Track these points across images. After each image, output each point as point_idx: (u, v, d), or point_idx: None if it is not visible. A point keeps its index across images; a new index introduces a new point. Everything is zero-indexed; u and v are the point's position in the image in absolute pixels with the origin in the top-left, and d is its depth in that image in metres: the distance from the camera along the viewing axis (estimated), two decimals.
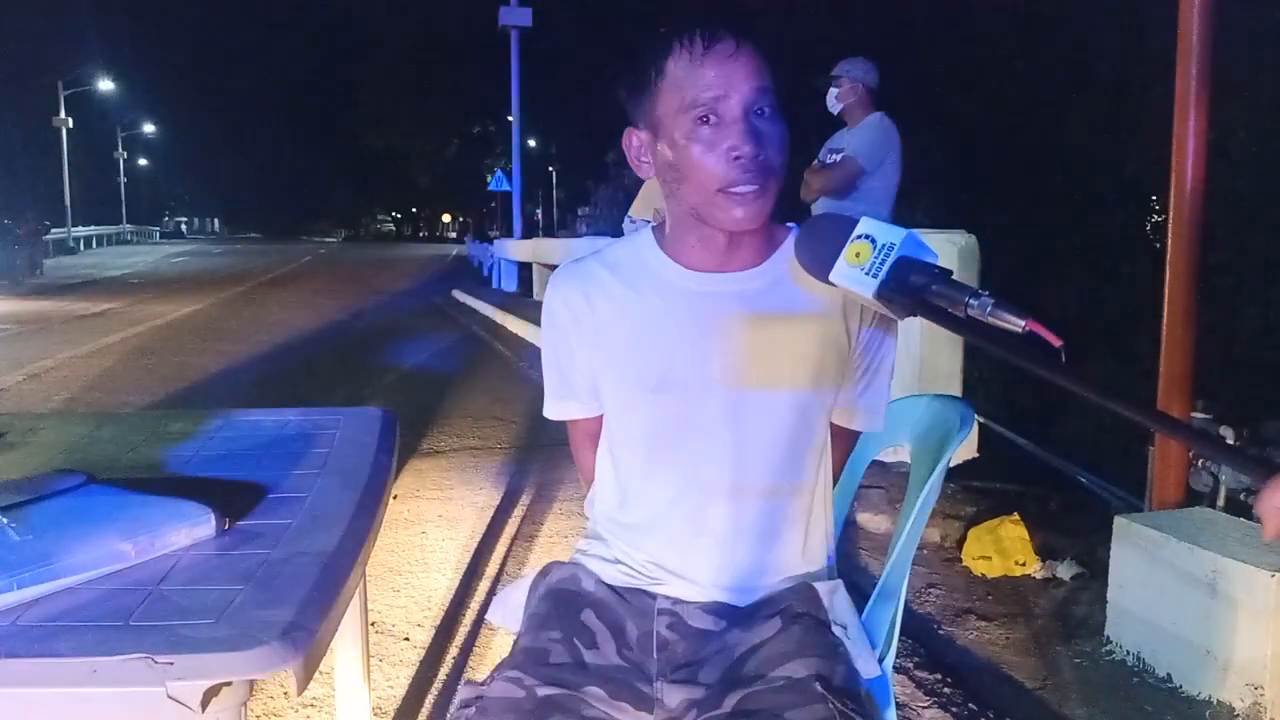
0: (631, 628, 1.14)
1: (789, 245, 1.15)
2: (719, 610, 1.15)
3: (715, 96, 1.04)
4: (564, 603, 1.17)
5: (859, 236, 0.94)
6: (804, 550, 1.19)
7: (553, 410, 1.28)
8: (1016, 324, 0.84)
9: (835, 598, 1.15)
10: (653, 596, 1.17)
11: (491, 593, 2.87)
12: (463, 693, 1.05)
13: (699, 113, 1.05)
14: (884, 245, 0.92)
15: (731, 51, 1.05)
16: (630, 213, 6.58)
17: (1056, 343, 0.83)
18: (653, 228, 1.21)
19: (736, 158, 1.04)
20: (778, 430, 1.14)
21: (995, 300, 0.85)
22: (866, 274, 0.92)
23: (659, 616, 1.15)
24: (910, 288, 0.90)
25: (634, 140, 1.14)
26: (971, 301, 0.86)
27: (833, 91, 4.28)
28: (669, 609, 1.15)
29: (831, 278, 0.95)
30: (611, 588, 1.19)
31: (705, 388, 1.13)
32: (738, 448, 1.13)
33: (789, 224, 1.18)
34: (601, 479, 1.26)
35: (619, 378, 1.17)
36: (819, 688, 1.01)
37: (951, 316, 0.87)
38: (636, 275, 1.17)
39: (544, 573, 1.24)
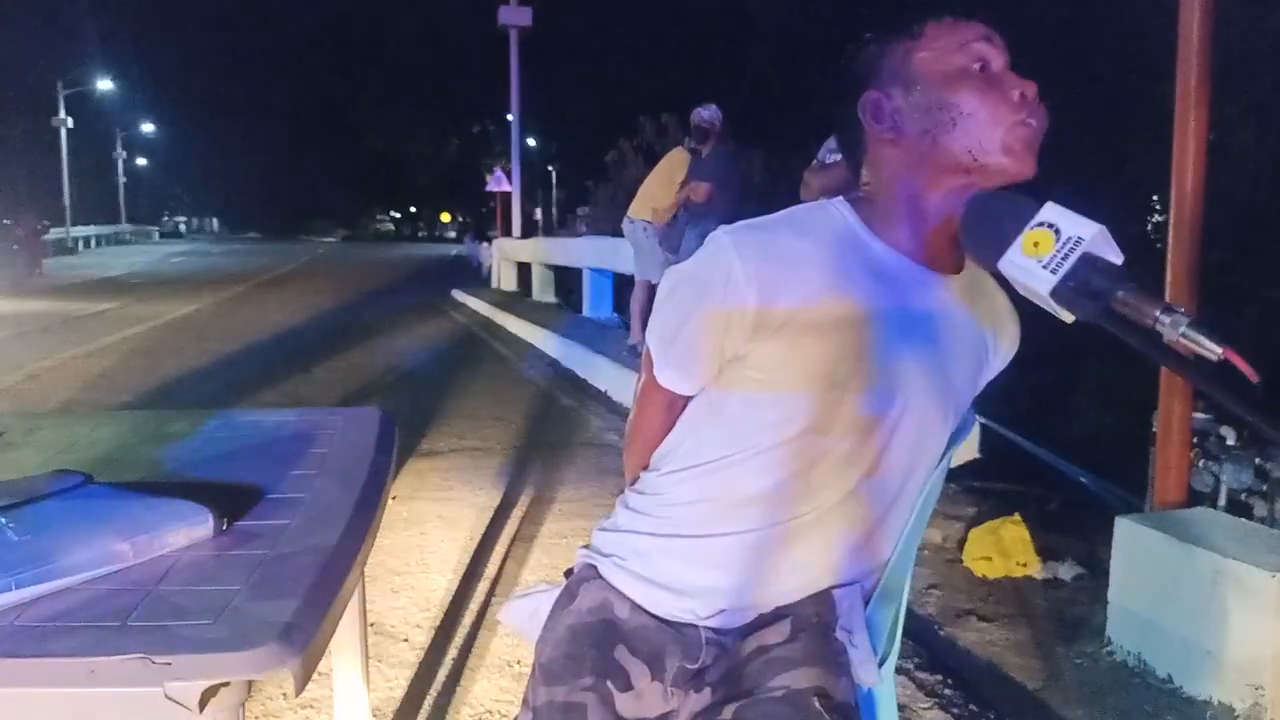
0: (672, 659, 1.08)
1: (973, 264, 1.09)
2: (754, 624, 1.10)
3: (987, 48, 1.02)
4: (595, 641, 1.09)
5: (1040, 224, 0.84)
6: (878, 563, 1.15)
7: (669, 379, 1.13)
8: (1212, 350, 0.75)
9: (850, 603, 1.11)
10: (697, 628, 1.10)
11: (491, 593, 2.87)
12: None
13: (975, 57, 1.02)
14: (1070, 238, 0.82)
15: (983, 24, 1.05)
16: (630, 213, 6.59)
17: (1254, 378, 0.75)
18: (846, 201, 1.09)
19: (1022, 94, 1.01)
20: (929, 446, 1.10)
21: (1190, 319, 0.76)
22: (1044, 268, 0.82)
23: (706, 648, 1.09)
24: (1093, 291, 0.80)
25: (880, 100, 1.05)
26: (1162, 317, 0.77)
27: None
28: (715, 639, 1.09)
29: (1001, 265, 0.86)
30: (650, 614, 1.10)
31: (893, 387, 1.04)
32: (891, 457, 1.06)
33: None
34: (697, 456, 1.11)
35: (802, 359, 1.03)
36: (816, 704, 0.99)
37: (1134, 328, 0.78)
38: (838, 246, 1.05)
39: (570, 593, 1.15)
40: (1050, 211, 0.84)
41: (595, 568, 1.16)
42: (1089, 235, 0.82)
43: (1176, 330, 0.76)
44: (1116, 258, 0.83)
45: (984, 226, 0.89)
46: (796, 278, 1.02)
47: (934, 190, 1.04)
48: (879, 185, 1.07)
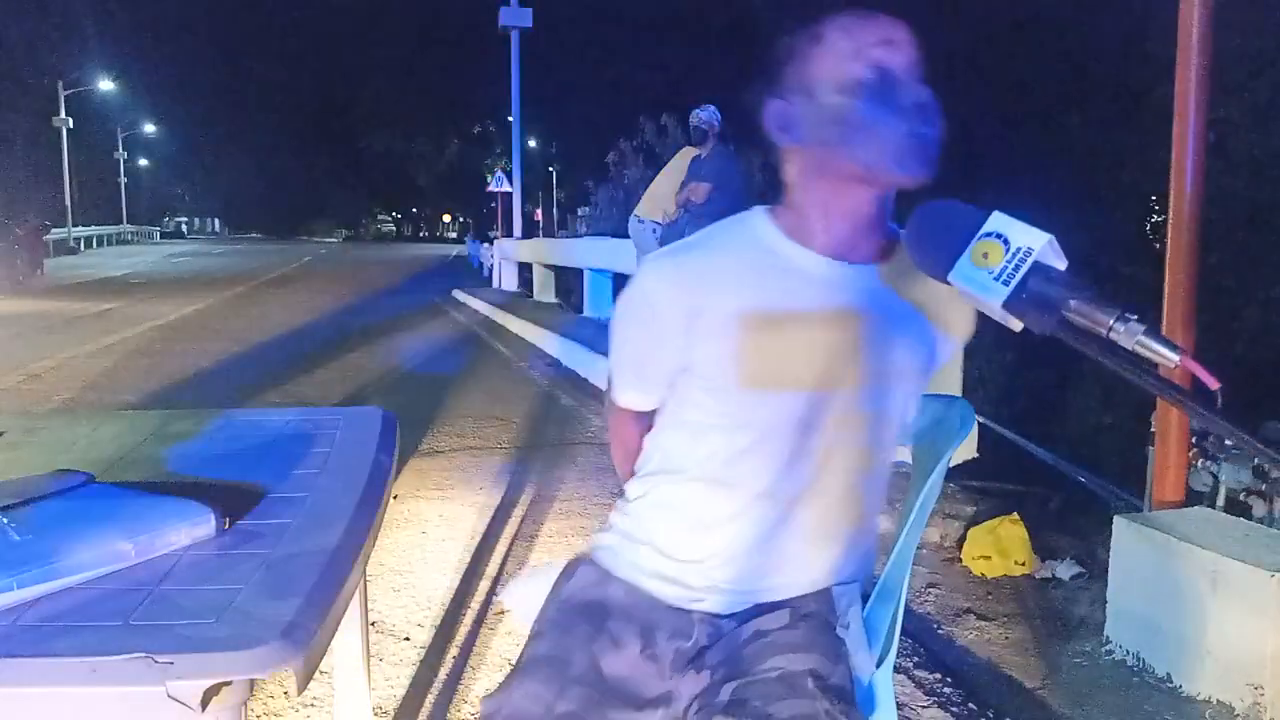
0: (662, 634, 1.12)
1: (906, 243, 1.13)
2: (752, 612, 1.13)
3: (885, 52, 1.02)
4: (589, 611, 1.14)
5: (989, 234, 0.82)
6: (857, 557, 1.18)
7: (625, 399, 1.22)
8: (1170, 358, 0.73)
9: (849, 600, 1.15)
10: (689, 612, 1.14)
11: (492, 592, 2.87)
12: (485, 706, 1.04)
13: (871, 63, 1.02)
14: (1020, 249, 0.80)
15: (888, 19, 1.04)
16: (637, 212, 6.56)
17: (1214, 385, 0.73)
18: (764, 209, 1.14)
19: (919, 104, 1.02)
20: (876, 436, 1.13)
21: (1146, 327, 0.74)
22: (996, 279, 0.80)
23: (699, 626, 1.13)
24: (1047, 301, 0.78)
25: (783, 109, 1.07)
26: (1117, 326, 0.75)
27: None
28: (708, 621, 1.13)
29: (951, 278, 0.84)
30: (645, 593, 1.15)
31: (825, 383, 1.08)
32: (842, 451, 1.10)
33: (893, 225, 1.13)
34: (666, 459, 1.18)
35: (732, 368, 1.08)
36: (811, 684, 1.01)
37: (1089, 338, 0.76)
38: (753, 257, 1.10)
39: (569, 572, 1.20)
40: (998, 221, 0.83)
41: (593, 558, 1.22)
42: (1039, 245, 0.81)
43: (1132, 338, 0.75)
44: (1061, 264, 0.82)
45: (930, 239, 0.87)
46: (715, 293, 1.08)
47: (839, 195, 1.07)
48: (791, 188, 1.11)
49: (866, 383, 1.09)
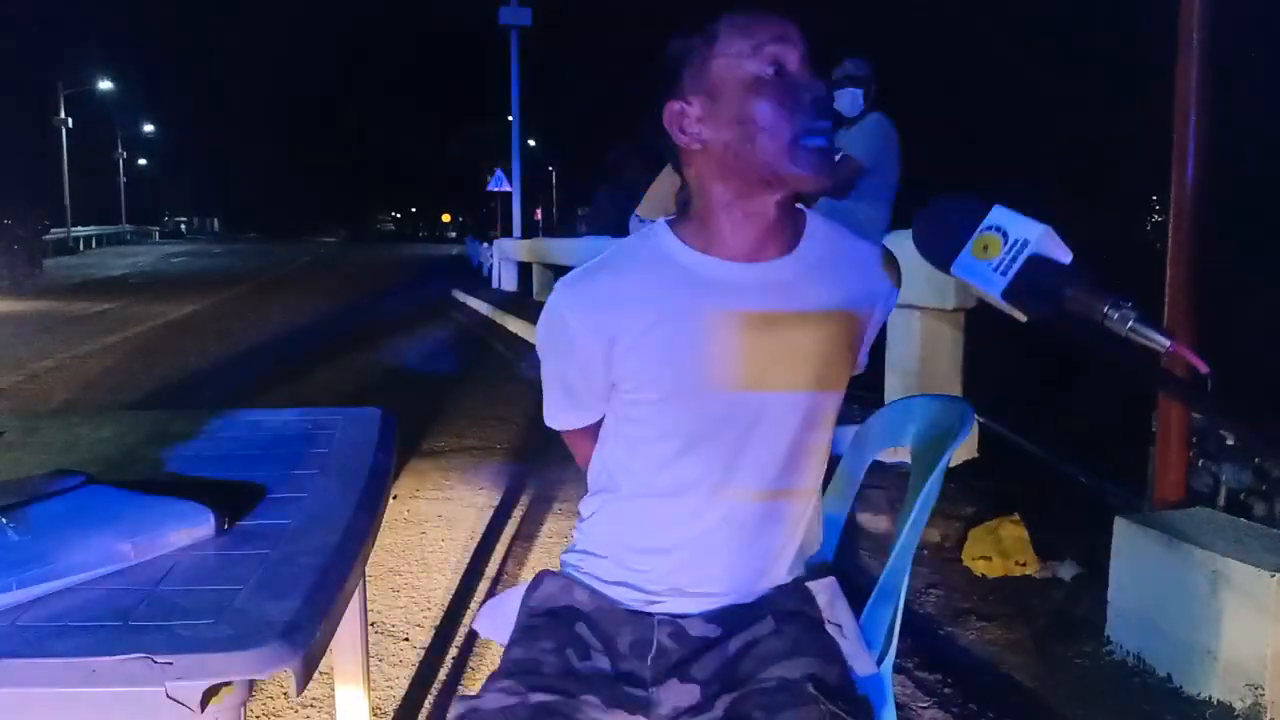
0: (625, 637, 1.13)
1: (814, 229, 1.13)
2: (717, 617, 1.14)
3: (781, 48, 1.02)
4: (557, 616, 1.15)
5: (989, 228, 0.85)
6: (804, 548, 1.19)
7: (556, 421, 1.24)
8: (1160, 343, 0.76)
9: (829, 596, 1.15)
10: (651, 614, 1.15)
11: (491, 593, 2.87)
12: (456, 708, 1.03)
13: (769, 60, 1.02)
14: (1017, 241, 0.84)
15: (779, 17, 1.05)
16: (638, 212, 6.54)
17: (1204, 369, 0.76)
18: (666, 221, 1.15)
19: (814, 100, 1.02)
20: (806, 425, 1.13)
21: (1139, 314, 0.77)
22: (995, 271, 0.84)
23: (659, 627, 1.13)
24: (1044, 291, 0.81)
25: (679, 110, 1.07)
26: (1110, 312, 0.78)
27: (857, 93, 4.23)
28: (669, 621, 1.14)
29: (954, 269, 0.88)
30: (608, 599, 1.17)
31: (745, 385, 1.09)
32: (771, 447, 1.11)
33: (801, 206, 1.14)
34: (609, 476, 1.20)
35: (652, 383, 1.10)
36: (811, 689, 1.00)
37: (1083, 324, 0.80)
38: (660, 273, 1.10)
39: (535, 585, 1.22)
40: (998, 215, 0.86)
41: (559, 570, 1.24)
42: (1034, 236, 0.83)
43: (1125, 325, 0.77)
44: (1065, 256, 0.84)
45: (935, 233, 0.90)
46: (628, 315, 1.09)
47: (745, 198, 1.07)
48: (694, 193, 1.11)
49: (792, 373, 1.10)
